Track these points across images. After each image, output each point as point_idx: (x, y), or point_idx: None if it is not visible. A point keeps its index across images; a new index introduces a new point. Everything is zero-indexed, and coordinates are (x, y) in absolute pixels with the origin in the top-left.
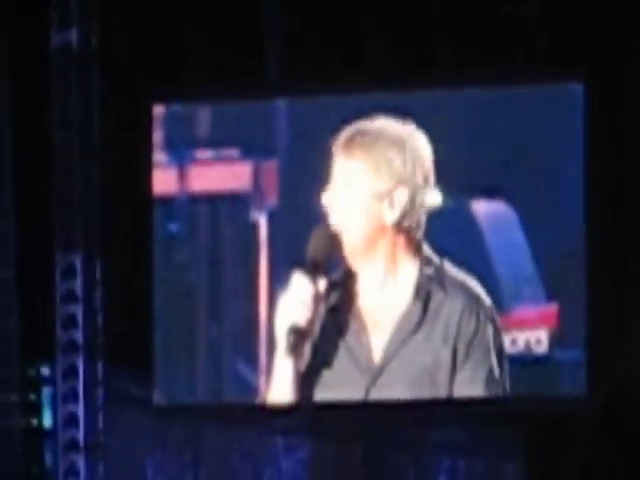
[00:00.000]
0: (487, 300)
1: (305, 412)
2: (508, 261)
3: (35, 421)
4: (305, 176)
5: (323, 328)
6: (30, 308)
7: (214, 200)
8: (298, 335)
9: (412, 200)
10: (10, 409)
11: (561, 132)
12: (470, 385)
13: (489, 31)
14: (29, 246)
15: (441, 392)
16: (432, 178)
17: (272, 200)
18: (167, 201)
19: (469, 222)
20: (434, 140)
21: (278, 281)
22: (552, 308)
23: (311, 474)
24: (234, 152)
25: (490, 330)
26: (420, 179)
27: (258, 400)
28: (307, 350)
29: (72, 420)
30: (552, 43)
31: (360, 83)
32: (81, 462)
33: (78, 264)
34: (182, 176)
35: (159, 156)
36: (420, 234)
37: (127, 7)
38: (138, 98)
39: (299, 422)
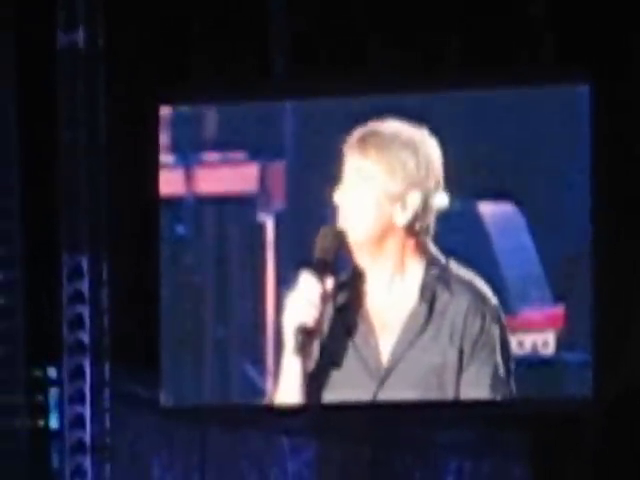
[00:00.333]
0: (493, 299)
1: (312, 413)
2: (515, 263)
3: (42, 422)
4: (312, 178)
5: (331, 328)
6: (36, 309)
7: (221, 202)
8: (306, 335)
9: (424, 203)
10: (16, 410)
11: (568, 134)
12: (476, 384)
13: (496, 33)
14: (36, 247)
15: (448, 393)
16: (442, 182)
17: (279, 202)
18: (174, 202)
19: (476, 224)
20: (442, 142)
21: (285, 282)
22: (559, 310)
23: (317, 475)
24: (241, 154)
25: (496, 329)
26: (432, 183)
27: (265, 401)
28: (315, 350)
29: (79, 421)
30: (558, 44)
31: (367, 84)
32: (88, 463)
33: (85, 265)
34: (189, 178)
35: (166, 157)
36: (429, 237)
37: (133, 7)
38: (145, 99)
39: (305, 423)
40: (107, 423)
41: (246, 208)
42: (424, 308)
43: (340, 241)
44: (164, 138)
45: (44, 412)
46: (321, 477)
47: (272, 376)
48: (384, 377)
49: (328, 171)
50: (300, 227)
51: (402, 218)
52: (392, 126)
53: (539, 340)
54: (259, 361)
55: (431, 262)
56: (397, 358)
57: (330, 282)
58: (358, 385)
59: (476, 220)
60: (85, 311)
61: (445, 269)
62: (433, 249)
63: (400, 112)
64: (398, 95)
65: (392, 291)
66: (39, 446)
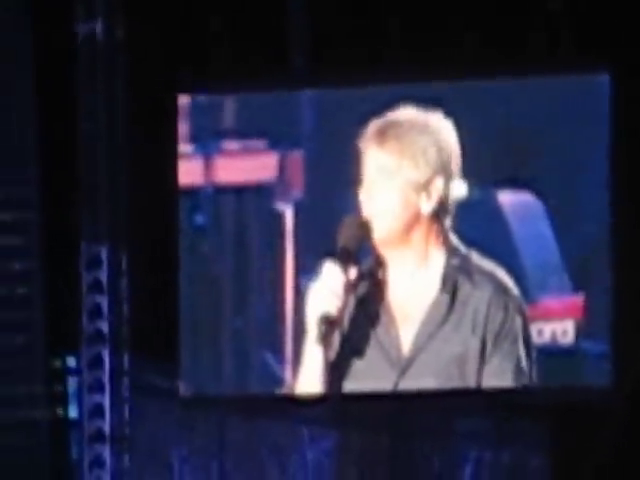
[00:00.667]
0: (515, 290)
1: (332, 403)
2: (534, 252)
3: (61, 412)
4: (331, 167)
5: (353, 318)
6: (56, 299)
7: (240, 191)
8: (329, 324)
9: (446, 189)
10: (36, 400)
11: (587, 123)
12: (498, 376)
13: (515, 21)
14: (55, 237)
15: (470, 383)
16: (460, 165)
17: (298, 191)
18: (193, 192)
19: (495, 213)
20: (460, 131)
21: (304, 272)
22: (578, 299)
23: (336, 464)
24: (260, 143)
25: (518, 320)
26: (453, 167)
27: (284, 390)
28: (336, 340)
29: (98, 411)
30: (578, 34)
31: (384, 73)
32: (107, 453)
33: (104, 255)
34: (208, 167)
35: (185, 147)
36: (450, 225)
37: None
38: (163, 89)
39: (325, 412)
40: (126, 413)
41: (265, 197)
42: (446, 298)
43: (364, 232)
44: (183, 128)
45: (63, 402)
46: (340, 466)
47: (291, 365)
48: (405, 367)
49: (347, 160)
50: (318, 216)
51: (428, 206)
52: (407, 113)
53: (558, 329)
54: (278, 350)
55: (452, 252)
56: (418, 348)
57: (353, 272)
58: (379, 375)
59: (495, 209)
60: (104, 301)
61: (466, 259)
62: (454, 239)
63: (418, 101)
64: (416, 85)
65: (414, 281)
66: (58, 436)
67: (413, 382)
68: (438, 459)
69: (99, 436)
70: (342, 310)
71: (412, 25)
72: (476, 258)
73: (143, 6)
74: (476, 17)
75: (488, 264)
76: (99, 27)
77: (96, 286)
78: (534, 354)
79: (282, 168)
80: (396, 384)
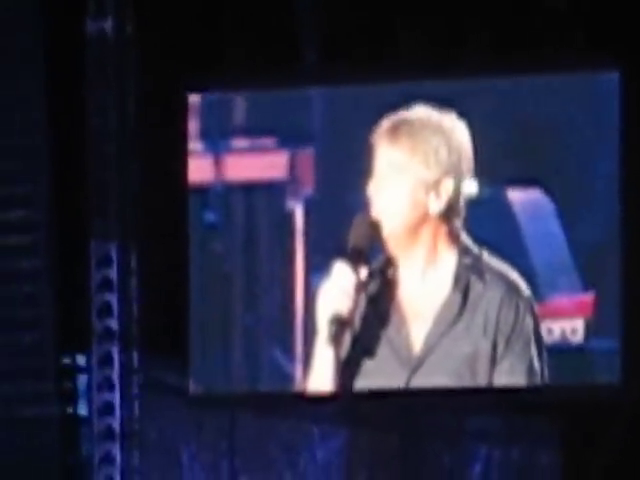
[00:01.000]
0: (526, 290)
1: (343, 401)
2: (544, 250)
3: (71, 409)
4: (341, 165)
5: (364, 317)
6: (65, 297)
7: (250, 189)
8: (340, 324)
9: (456, 190)
10: (46, 398)
11: (597, 120)
12: (510, 376)
13: (525, 19)
14: (65, 235)
15: (481, 383)
16: (472, 167)
17: (308, 189)
18: (203, 190)
19: (505, 211)
20: (470, 129)
21: (314, 270)
22: (588, 297)
23: (346, 462)
24: (270, 141)
25: (530, 321)
26: (464, 169)
27: (294, 389)
28: (347, 339)
29: (108, 408)
30: (588, 31)
31: (395, 71)
32: (117, 450)
33: (114, 253)
34: (218, 165)
35: (195, 145)
36: (461, 225)
37: None
38: (173, 86)
39: (335, 411)
40: (136, 410)
41: (275, 195)
42: (458, 298)
43: (375, 231)
44: (193, 125)
45: (73, 399)
46: (350, 464)
47: (301, 363)
48: (416, 367)
49: (357, 158)
50: (329, 214)
51: (436, 205)
52: (421, 113)
53: (568, 327)
54: (288, 348)
55: (464, 251)
56: (429, 348)
57: (364, 272)
58: (390, 374)
59: (505, 207)
60: (114, 299)
61: (478, 259)
62: (465, 238)
63: (429, 99)
64: (427, 82)
65: (425, 280)
66: (68, 433)
67: (424, 381)
68: (448, 457)
69: (109, 433)
70: (353, 310)
71: (423, 23)
72: (487, 258)
73: (153, 3)
74: (487, 16)
75: (499, 264)
76: (109, 24)
77: (106, 284)
78: (545, 354)
79: (292, 166)
80: (407, 383)
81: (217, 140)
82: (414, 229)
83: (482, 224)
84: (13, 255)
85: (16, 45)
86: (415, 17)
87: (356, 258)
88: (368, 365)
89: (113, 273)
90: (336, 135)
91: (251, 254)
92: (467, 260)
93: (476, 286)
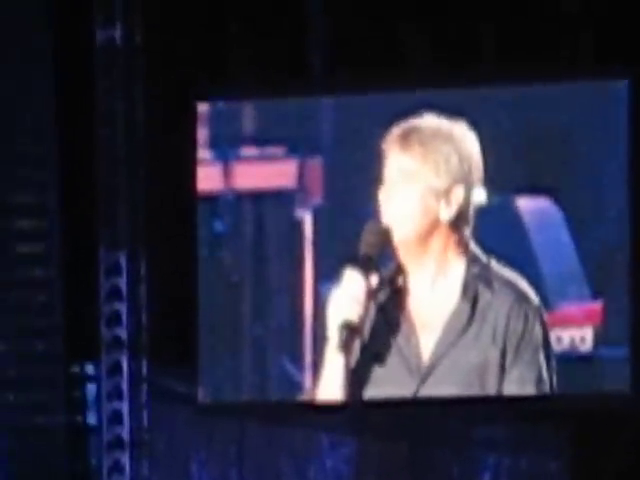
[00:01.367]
0: (535, 298)
1: (353, 410)
2: (553, 258)
3: (80, 418)
4: (350, 173)
5: (373, 325)
6: (74, 306)
7: (259, 198)
8: (350, 332)
9: (466, 198)
10: (55, 407)
11: (605, 129)
12: (520, 386)
13: (534, 28)
14: (74, 243)
15: (490, 392)
16: (482, 176)
17: (317, 198)
18: (212, 198)
19: (514, 219)
20: (479, 138)
21: (323, 278)
22: (597, 306)
23: (355, 471)
24: (279, 150)
25: (538, 329)
26: (474, 177)
27: (303, 397)
28: (357, 347)
29: (117, 417)
30: (597, 40)
31: (404, 80)
32: (126, 459)
33: (123, 261)
34: (227, 174)
35: (204, 153)
36: (470, 233)
37: (171, 4)
38: (182, 95)
39: (344, 419)
40: (145, 419)
41: (284, 204)
42: (467, 307)
43: (385, 238)
44: (202, 134)
45: (82, 408)
46: (359, 473)
47: (310, 372)
48: (425, 376)
49: (366, 167)
50: (338, 223)
51: (446, 213)
52: (431, 121)
53: (577, 336)
54: (297, 357)
55: (472, 260)
56: (439, 357)
57: (374, 279)
58: (399, 383)
59: (513, 215)
60: (123, 308)
61: (486, 267)
62: (474, 247)
63: (438, 108)
64: (436, 91)
65: (434, 289)
66: (77, 442)
67: (433, 390)
68: (457, 466)
69: (118, 442)
70: (363, 317)
71: (432, 32)
72: (496, 266)
73: (162, 12)
74: (496, 25)
75: (508, 272)
76: (118, 32)
77: (115, 293)
78: (554, 362)
79: (301, 175)
80: (416, 392)
81: (226, 148)
82: (424, 237)
83: (491, 233)
84: (22, 264)
85: (26, 53)
86: (424, 25)
87: (367, 265)
88: (377, 373)
89: (122, 282)
90: (345, 144)
91: (260, 263)
92: (475, 269)
93: (485, 295)
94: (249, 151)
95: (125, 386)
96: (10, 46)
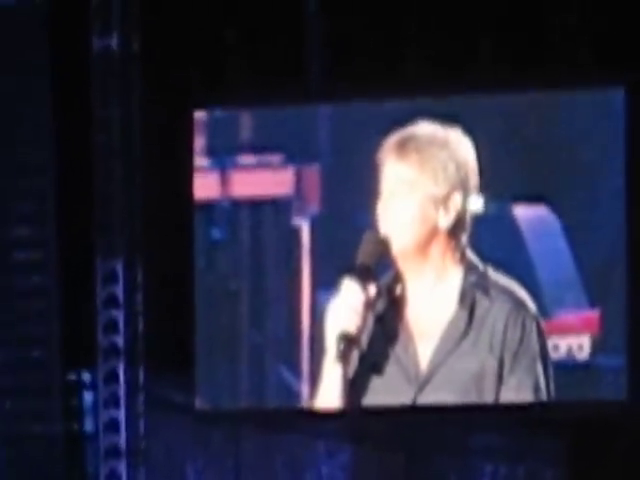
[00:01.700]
0: (532, 306)
1: (349, 417)
2: (550, 267)
3: (76, 426)
4: (347, 181)
5: (371, 335)
6: (71, 314)
7: (256, 205)
8: (348, 343)
9: (464, 205)
10: (51, 415)
11: (603, 137)
12: (517, 393)
13: (530, 36)
14: (70, 251)
15: (487, 400)
16: (478, 183)
17: (314, 205)
18: (209, 206)
19: (511, 228)
20: (476, 145)
21: (320, 286)
22: (594, 314)
23: (352, 479)
24: (276, 158)
25: (536, 337)
26: (471, 184)
27: (300, 405)
28: (355, 357)
29: (113, 425)
30: (594, 48)
31: (401, 88)
32: (122, 467)
33: (119, 269)
34: (224, 181)
35: (201, 161)
36: (467, 241)
37: (168, 12)
38: (179, 103)
39: (340, 427)
40: (141, 427)
41: (281, 212)
42: (464, 315)
43: (384, 248)
44: (199, 142)
45: (79, 416)
46: None
47: (307, 380)
48: (423, 384)
49: (363, 174)
50: (335, 231)
51: (445, 221)
52: (427, 128)
53: (574, 344)
54: (294, 365)
55: (469, 268)
56: (436, 365)
57: (372, 289)
58: (397, 392)
59: (511, 223)
60: (120, 315)
61: (484, 276)
62: (471, 255)
63: (435, 116)
64: (432, 99)
65: (432, 298)
66: (74, 450)
67: (430, 398)
68: (454, 474)
69: (115, 450)
70: (361, 328)
71: (429, 40)
72: (493, 274)
73: (159, 20)
74: (492, 33)
75: (505, 280)
76: (115, 41)
77: (112, 301)
78: (551, 370)
79: (298, 183)
80: (414, 401)
81: (223, 156)
82: (423, 245)
83: (488, 240)
84: (19, 272)
85: (23, 62)
86: (421, 34)
87: (364, 275)
88: (375, 382)
89: (119, 289)
90: (342, 152)
91: (257, 270)
92: (473, 277)
93: (482, 303)
94: (246, 159)
95: (122, 394)
96: (8, 55)
